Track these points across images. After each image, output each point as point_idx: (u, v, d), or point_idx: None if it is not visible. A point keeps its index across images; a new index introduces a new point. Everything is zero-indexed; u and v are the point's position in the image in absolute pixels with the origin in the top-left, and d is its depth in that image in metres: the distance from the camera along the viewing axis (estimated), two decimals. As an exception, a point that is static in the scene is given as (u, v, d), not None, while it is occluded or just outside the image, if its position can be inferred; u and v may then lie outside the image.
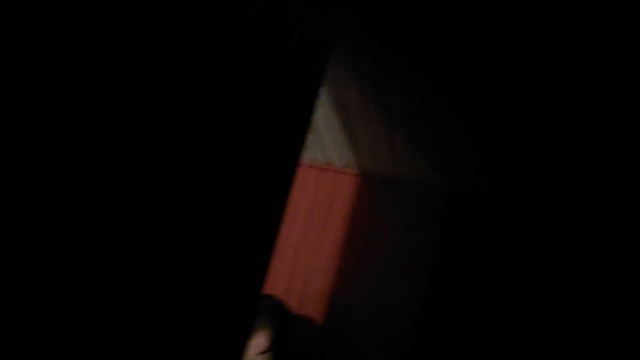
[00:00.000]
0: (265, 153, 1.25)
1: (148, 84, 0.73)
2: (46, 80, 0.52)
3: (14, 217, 0.50)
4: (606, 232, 2.80)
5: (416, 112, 2.30)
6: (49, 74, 0.52)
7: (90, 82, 0.57)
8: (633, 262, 2.73)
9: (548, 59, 1.67)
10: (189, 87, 0.87)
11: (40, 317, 0.55)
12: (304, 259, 3.07)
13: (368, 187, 3.11)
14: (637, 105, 1.74)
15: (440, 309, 2.80)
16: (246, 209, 1.21)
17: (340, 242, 3.07)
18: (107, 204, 0.66)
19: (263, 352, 2.30)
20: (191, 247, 0.97)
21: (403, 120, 2.41)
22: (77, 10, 0.53)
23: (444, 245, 2.91)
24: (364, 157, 2.95)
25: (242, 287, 1.26)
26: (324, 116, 2.58)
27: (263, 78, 1.16)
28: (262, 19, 1.10)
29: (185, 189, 0.91)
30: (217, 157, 1.01)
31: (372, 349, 2.78)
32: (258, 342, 2.28)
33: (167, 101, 0.79)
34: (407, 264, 2.96)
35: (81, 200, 0.58)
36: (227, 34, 0.95)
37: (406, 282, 2.89)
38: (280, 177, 1.38)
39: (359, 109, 2.42)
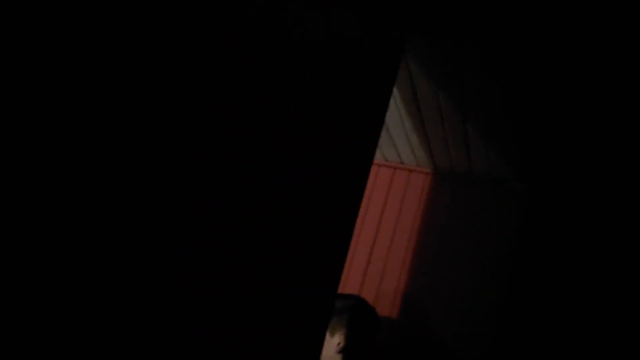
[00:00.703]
0: (339, 153, 1.24)
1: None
2: (46, 80, 0.51)
3: (13, 217, 0.50)
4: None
5: (492, 107, 2.25)
6: (48, 74, 0.52)
7: (106, 81, 0.57)
8: None
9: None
10: (274, 88, 0.88)
11: (50, 318, 0.55)
12: (378, 258, 3.06)
13: (441, 185, 3.09)
14: None
15: (521, 308, 2.75)
16: (321, 209, 1.20)
17: (413, 240, 3.06)
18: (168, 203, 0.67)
19: (341, 351, 2.30)
20: (267, 248, 0.97)
21: (478, 116, 2.37)
22: (77, 9, 0.53)
23: (524, 243, 2.84)
24: (436, 155, 2.93)
25: (317, 287, 1.26)
26: (396, 114, 2.57)
27: (336, 78, 1.15)
28: (334, 18, 1.11)
29: (266, 188, 0.92)
30: (294, 157, 1.02)
31: (450, 347, 2.76)
32: (339, 341, 2.29)
33: (246, 102, 0.81)
34: (484, 263, 2.91)
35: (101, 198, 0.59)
36: (301, 34, 0.96)
37: (484, 281, 2.85)
38: (354, 177, 1.37)
39: (431, 106, 2.40)
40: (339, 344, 2.28)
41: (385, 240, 3.11)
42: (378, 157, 3.18)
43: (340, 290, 2.83)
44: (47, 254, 0.54)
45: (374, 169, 3.20)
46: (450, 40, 1.84)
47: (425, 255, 3.02)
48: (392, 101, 2.42)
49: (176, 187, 0.69)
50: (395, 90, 2.32)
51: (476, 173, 3.04)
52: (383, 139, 2.87)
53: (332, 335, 2.33)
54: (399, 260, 3.04)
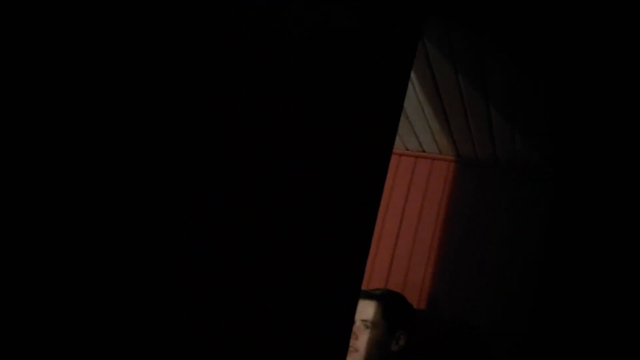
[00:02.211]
0: (356, 143, 1.22)
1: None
2: (47, 80, 0.52)
3: (14, 217, 0.50)
4: None
5: (517, 90, 2.18)
6: (49, 74, 0.52)
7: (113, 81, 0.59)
8: None
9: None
10: (285, 77, 0.88)
11: (55, 318, 0.56)
12: (403, 249, 3.00)
13: (466, 173, 3.04)
14: None
15: (554, 295, 2.69)
16: (339, 203, 1.18)
17: (439, 230, 3.00)
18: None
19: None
20: (281, 246, 0.96)
21: (502, 100, 2.30)
22: (79, 9, 0.54)
23: (553, 231, 2.78)
24: (459, 141, 2.90)
25: (338, 285, 1.24)
26: (415, 100, 2.54)
27: (350, 64, 1.13)
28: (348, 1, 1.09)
29: (280, 183, 0.92)
30: (308, 150, 1.01)
31: (481, 337, 2.73)
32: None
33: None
34: (512, 251, 2.85)
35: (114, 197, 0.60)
36: (314, 18, 0.95)
37: (514, 269, 2.79)
38: (373, 167, 1.34)
39: (452, 91, 2.34)
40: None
41: (409, 231, 3.06)
42: (399, 146, 3.14)
43: (364, 286, 2.72)
44: (46, 253, 0.54)
45: (394, 158, 3.15)
46: (469, 24, 1.77)
47: (451, 246, 2.96)
48: (410, 87, 2.36)
49: (177, 185, 0.70)
50: (413, 76, 2.26)
51: (501, 159, 2.98)
52: (403, 127, 2.83)
53: (376, 327, 2.24)
54: (424, 251, 2.98)
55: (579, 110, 2.20)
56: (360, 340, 2.16)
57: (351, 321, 1.34)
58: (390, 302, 2.31)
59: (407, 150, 3.17)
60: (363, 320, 2.23)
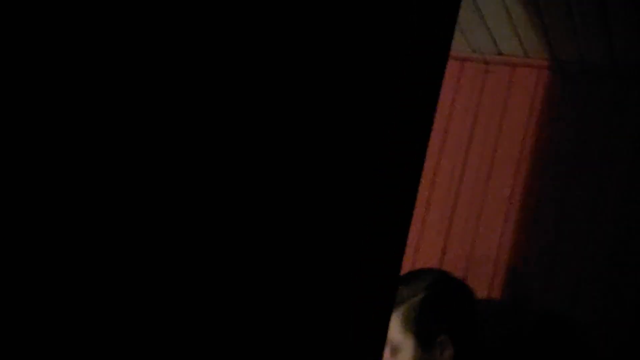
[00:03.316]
0: (388, 41, 1.00)
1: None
2: (49, 80, 0.57)
3: (14, 217, 0.55)
4: None
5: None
6: (50, 74, 0.57)
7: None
8: None
9: None
10: None
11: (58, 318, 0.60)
12: (466, 207, 2.44)
13: (565, 84, 2.48)
14: None
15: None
16: (360, 138, 0.97)
17: (522, 175, 2.42)
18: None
19: None
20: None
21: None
22: (82, 9, 0.59)
23: None
24: (555, 38, 2.39)
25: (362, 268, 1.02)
26: None
27: None
28: None
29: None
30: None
31: (584, 333, 2.25)
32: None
33: None
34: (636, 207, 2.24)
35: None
36: None
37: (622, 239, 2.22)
38: (420, 78, 1.12)
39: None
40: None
41: (476, 177, 2.48)
42: (461, 47, 2.61)
43: (409, 267, 2.31)
44: (46, 253, 0.59)
45: (454, 66, 2.65)
46: None
47: (542, 200, 2.37)
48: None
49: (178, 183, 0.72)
50: None
51: (621, 64, 2.38)
52: (467, 19, 2.39)
53: (411, 332, 2.03)
54: (500, 206, 2.41)
55: None
56: None
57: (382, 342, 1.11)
58: (421, 306, 2.03)
59: (475, 52, 2.67)
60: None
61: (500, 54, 2.60)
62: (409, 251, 2.27)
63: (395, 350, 1.96)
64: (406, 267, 2.08)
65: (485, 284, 2.32)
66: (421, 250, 2.38)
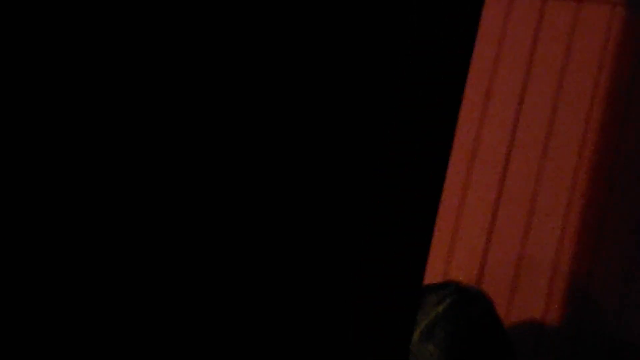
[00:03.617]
0: None
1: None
2: (51, 80, 0.59)
3: (14, 217, 0.57)
4: None
5: None
6: (52, 74, 0.60)
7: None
8: None
9: None
10: None
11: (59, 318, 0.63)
12: (515, 193, 2.04)
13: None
14: None
15: None
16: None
17: (590, 147, 1.99)
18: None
19: None
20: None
21: None
22: (84, 8, 0.61)
23: None
24: None
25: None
26: None
27: None
28: None
29: None
30: None
31: None
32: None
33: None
34: None
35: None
36: None
37: None
38: (456, 17, 1.00)
39: None
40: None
41: (529, 154, 2.05)
42: None
43: (437, 276, 2.03)
44: (45, 253, 0.61)
45: (500, 2, 2.23)
46: None
47: (622, 183, 1.97)
48: None
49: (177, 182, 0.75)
50: None
51: None
52: None
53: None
54: (561, 192, 2.00)
55: None
56: None
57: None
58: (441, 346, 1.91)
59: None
60: None
61: (562, -15, 2.19)
62: (439, 253, 1.98)
63: None
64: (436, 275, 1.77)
65: (538, 299, 1.94)
66: (455, 250, 2.01)
